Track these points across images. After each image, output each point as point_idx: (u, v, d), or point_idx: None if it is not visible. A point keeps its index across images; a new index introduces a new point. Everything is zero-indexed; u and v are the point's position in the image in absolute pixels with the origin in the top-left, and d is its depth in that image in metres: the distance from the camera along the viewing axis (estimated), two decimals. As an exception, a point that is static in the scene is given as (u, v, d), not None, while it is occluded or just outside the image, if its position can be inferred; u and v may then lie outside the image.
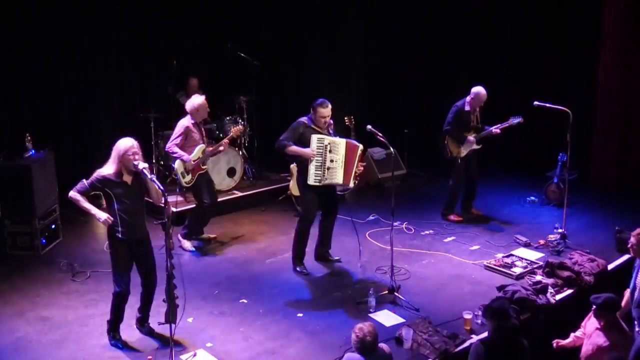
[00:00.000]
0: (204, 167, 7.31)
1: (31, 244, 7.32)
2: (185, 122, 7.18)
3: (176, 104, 8.97)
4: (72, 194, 5.35)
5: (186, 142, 7.15)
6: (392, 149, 6.65)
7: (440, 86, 10.69)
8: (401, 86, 11.10)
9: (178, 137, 7.13)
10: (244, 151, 9.30)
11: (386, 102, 11.05)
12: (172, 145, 7.13)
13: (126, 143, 5.28)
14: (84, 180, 5.34)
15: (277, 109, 10.22)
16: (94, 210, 5.33)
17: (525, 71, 10.11)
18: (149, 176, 5.22)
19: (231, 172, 8.97)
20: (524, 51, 10.08)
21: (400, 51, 11.04)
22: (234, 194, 8.96)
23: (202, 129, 7.38)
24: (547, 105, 7.52)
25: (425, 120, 10.48)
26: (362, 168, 6.77)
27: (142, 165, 5.22)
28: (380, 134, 6.45)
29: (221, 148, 7.45)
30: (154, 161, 8.82)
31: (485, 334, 5.64)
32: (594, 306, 5.08)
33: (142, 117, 8.83)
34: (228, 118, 9.21)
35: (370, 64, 11.02)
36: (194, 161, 7.15)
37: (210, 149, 7.34)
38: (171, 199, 8.17)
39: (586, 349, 5.17)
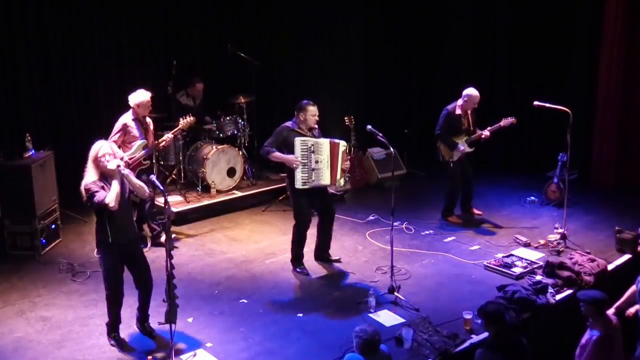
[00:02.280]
0: (145, 162, 7.11)
1: (31, 244, 7.31)
2: (124, 118, 7.04)
3: (176, 104, 8.97)
4: (108, 199, 5.12)
5: (126, 139, 6.99)
6: (392, 149, 6.65)
7: (440, 86, 10.69)
8: (401, 86, 11.10)
9: (116, 134, 6.98)
10: (244, 151, 9.30)
11: (386, 102, 11.05)
12: (110, 143, 6.99)
13: (95, 148, 5.23)
14: (94, 193, 5.15)
15: (277, 109, 10.21)
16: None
17: (525, 71, 10.11)
18: (123, 172, 5.14)
19: (231, 172, 8.97)
20: (523, 51, 10.08)
21: (401, 51, 11.05)
22: (234, 194, 8.96)
23: (146, 124, 7.18)
24: (547, 105, 7.52)
25: (425, 120, 10.48)
26: (348, 163, 6.79)
27: (115, 162, 5.14)
28: (380, 134, 6.45)
29: (163, 144, 7.27)
30: (153, 161, 8.81)
31: (485, 334, 5.66)
32: (580, 303, 5.08)
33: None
34: (228, 118, 9.21)
35: (371, 64, 11.02)
36: (130, 158, 6.94)
37: (155, 142, 7.18)
38: (170, 199, 8.22)
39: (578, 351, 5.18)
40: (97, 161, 5.20)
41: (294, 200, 6.83)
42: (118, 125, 7.03)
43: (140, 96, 7.06)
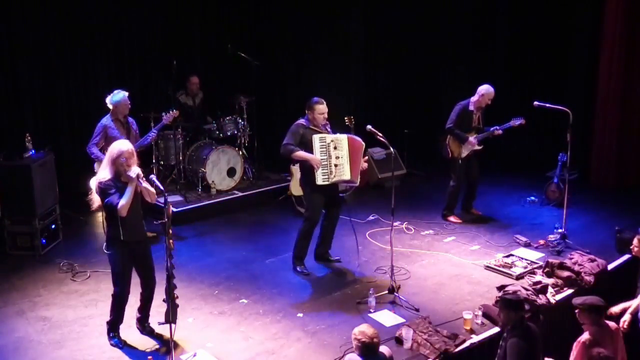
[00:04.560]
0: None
1: (31, 244, 7.31)
2: (104, 120, 6.98)
3: (176, 103, 8.97)
4: (120, 205, 5.11)
5: (107, 141, 6.85)
6: (392, 149, 6.66)
7: (440, 86, 10.69)
8: (401, 86, 11.10)
9: (96, 137, 6.93)
10: (244, 151, 9.31)
11: (386, 102, 11.05)
12: (91, 146, 6.93)
13: (120, 147, 5.20)
14: (108, 193, 5.14)
15: (277, 109, 10.22)
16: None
17: (525, 71, 10.11)
18: (142, 184, 5.14)
19: (231, 172, 8.97)
20: (524, 51, 10.09)
21: (401, 51, 11.05)
22: (234, 194, 8.96)
23: (127, 124, 7.11)
24: (547, 105, 7.52)
25: (425, 120, 10.49)
26: (366, 164, 6.84)
27: (136, 171, 5.12)
28: (380, 134, 6.46)
29: (148, 140, 7.23)
30: (154, 161, 8.83)
31: (485, 334, 5.67)
32: (576, 309, 5.05)
33: (142, 117, 8.82)
34: (228, 118, 9.21)
35: (371, 64, 11.02)
36: None
37: (139, 141, 7.12)
38: (170, 199, 8.23)
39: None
40: (116, 161, 5.16)
41: (309, 197, 6.82)
42: (98, 128, 6.97)
43: (116, 97, 6.97)
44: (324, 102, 6.65)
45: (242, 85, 9.61)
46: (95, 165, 6.95)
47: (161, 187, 5.29)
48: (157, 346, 5.51)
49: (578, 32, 9.65)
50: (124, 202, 5.10)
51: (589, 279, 6.49)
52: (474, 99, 7.93)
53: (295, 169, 7.88)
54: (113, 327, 5.58)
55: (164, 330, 5.47)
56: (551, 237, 7.52)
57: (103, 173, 5.24)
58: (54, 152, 7.80)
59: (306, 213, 6.91)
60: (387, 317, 5.94)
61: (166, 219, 5.04)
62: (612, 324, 5.13)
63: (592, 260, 6.74)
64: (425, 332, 5.54)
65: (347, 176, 6.62)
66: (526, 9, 9.98)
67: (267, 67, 9.98)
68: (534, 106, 7.65)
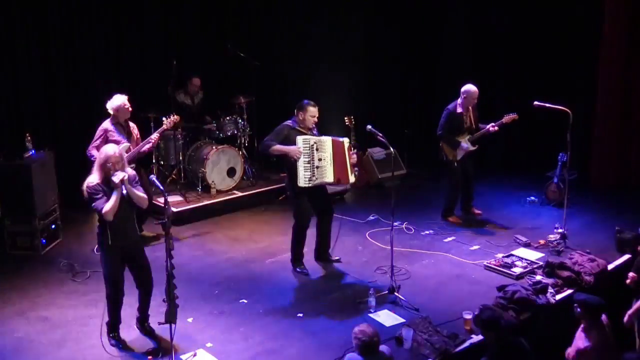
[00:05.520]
0: (130, 165, 7.02)
1: (31, 244, 7.32)
2: (105, 124, 6.96)
3: (176, 103, 8.97)
4: (104, 210, 5.16)
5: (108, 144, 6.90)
6: (392, 149, 6.65)
7: (440, 86, 10.68)
8: (401, 86, 11.09)
9: (97, 139, 6.89)
10: (244, 151, 9.31)
11: (386, 102, 11.05)
12: (91, 149, 6.90)
13: (107, 151, 5.23)
14: (94, 198, 5.20)
15: (277, 109, 10.19)
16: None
17: (525, 71, 10.11)
18: (124, 190, 5.16)
19: (231, 172, 8.97)
20: (523, 50, 10.08)
21: (401, 51, 11.04)
22: (234, 194, 8.96)
23: (129, 128, 7.10)
24: (547, 105, 7.52)
25: (425, 120, 10.46)
26: (355, 157, 6.76)
27: (119, 176, 5.13)
28: (380, 134, 6.45)
29: (148, 145, 7.16)
30: (154, 161, 8.83)
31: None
32: (575, 305, 5.05)
33: (142, 117, 8.83)
34: (228, 118, 9.21)
35: (371, 63, 11.01)
36: None
37: (139, 145, 7.10)
38: (170, 199, 8.23)
39: (569, 352, 5.16)
40: (104, 166, 5.20)
41: (294, 200, 6.81)
42: (99, 132, 6.95)
43: (116, 101, 6.95)
44: (316, 106, 6.64)
45: (242, 85, 9.61)
46: None
47: (161, 188, 5.30)
48: (157, 346, 5.51)
49: (578, 31, 9.64)
50: (108, 207, 5.14)
51: (589, 279, 6.50)
52: (459, 101, 7.92)
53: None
54: (112, 327, 5.58)
55: (164, 330, 5.47)
56: (551, 237, 7.51)
57: (92, 177, 5.28)
58: (54, 152, 7.80)
59: (294, 218, 6.86)
60: (387, 317, 5.95)
61: (166, 219, 5.05)
62: (603, 317, 5.14)
63: (592, 260, 6.74)
64: (425, 332, 5.54)
65: (329, 179, 6.56)
66: (526, 9, 9.97)
67: (267, 67, 9.98)
68: (534, 106, 7.65)
